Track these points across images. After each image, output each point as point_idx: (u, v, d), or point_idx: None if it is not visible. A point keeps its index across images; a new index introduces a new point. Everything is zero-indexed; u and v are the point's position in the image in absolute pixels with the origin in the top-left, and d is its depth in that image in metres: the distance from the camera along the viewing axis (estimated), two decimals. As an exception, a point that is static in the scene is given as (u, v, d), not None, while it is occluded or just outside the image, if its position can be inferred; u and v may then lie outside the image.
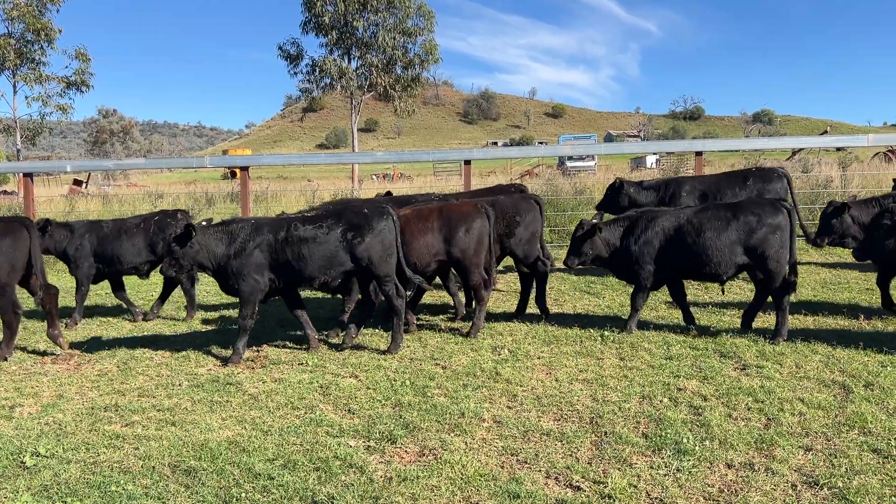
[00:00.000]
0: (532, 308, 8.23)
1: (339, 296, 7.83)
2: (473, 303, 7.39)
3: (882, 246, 6.53)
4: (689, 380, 5.41)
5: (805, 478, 3.80)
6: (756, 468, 3.92)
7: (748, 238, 6.40)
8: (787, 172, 9.63)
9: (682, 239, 6.57)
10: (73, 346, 7.23)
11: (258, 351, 6.75)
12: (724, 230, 6.43)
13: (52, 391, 5.75)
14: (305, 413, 5.01)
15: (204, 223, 6.50)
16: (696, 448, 4.15)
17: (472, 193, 9.70)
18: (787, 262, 6.48)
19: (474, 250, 6.91)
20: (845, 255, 10.71)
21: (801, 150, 28.12)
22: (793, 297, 8.15)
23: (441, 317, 8.04)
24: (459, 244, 6.86)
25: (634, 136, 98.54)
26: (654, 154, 46.48)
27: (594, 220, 7.03)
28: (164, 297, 8.65)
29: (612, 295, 8.81)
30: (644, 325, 6.99)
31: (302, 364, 6.23)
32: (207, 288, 9.92)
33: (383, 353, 6.47)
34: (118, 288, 8.68)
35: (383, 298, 6.65)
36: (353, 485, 3.86)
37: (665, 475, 3.87)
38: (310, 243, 6.29)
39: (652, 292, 7.91)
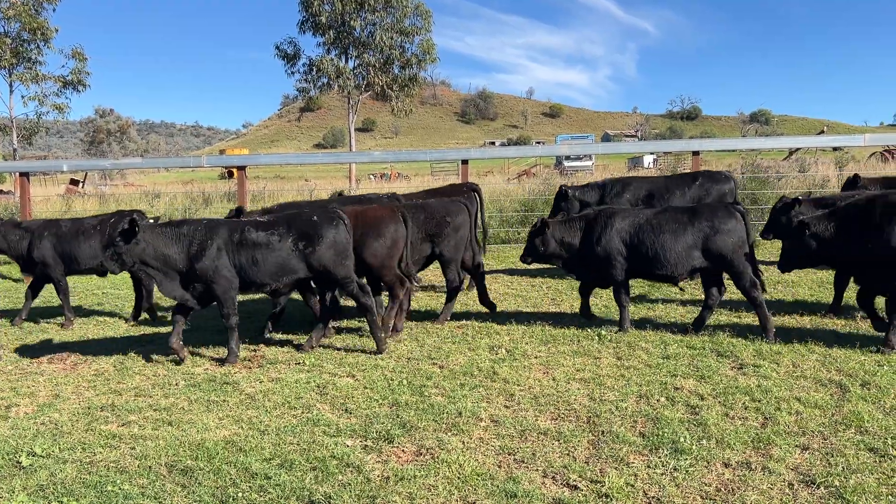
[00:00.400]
0: (530, 307, 8.24)
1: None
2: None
3: (803, 247, 6.26)
4: (686, 379, 5.41)
5: (802, 477, 3.80)
6: (753, 467, 3.92)
7: (706, 240, 6.48)
8: (733, 175, 9.96)
9: (640, 238, 6.65)
10: (69, 345, 7.22)
11: (255, 350, 6.74)
12: (682, 231, 6.53)
13: (48, 391, 5.74)
14: (302, 412, 5.00)
15: (151, 221, 6.43)
16: (693, 447, 4.15)
17: (427, 193, 9.68)
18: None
19: (387, 254, 6.88)
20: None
21: (797, 149, 28.20)
22: (790, 297, 8.21)
23: (431, 318, 8.03)
24: (370, 248, 6.83)
25: (632, 136, 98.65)
26: (652, 154, 46.49)
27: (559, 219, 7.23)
28: (139, 298, 8.55)
29: (609, 294, 8.80)
30: (641, 325, 7.00)
31: (299, 364, 6.22)
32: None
33: (378, 353, 6.47)
34: (39, 288, 8.62)
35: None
36: (350, 484, 3.86)
37: (662, 474, 3.87)
38: (262, 249, 6.23)
39: (652, 291, 7.93)
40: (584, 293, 7.36)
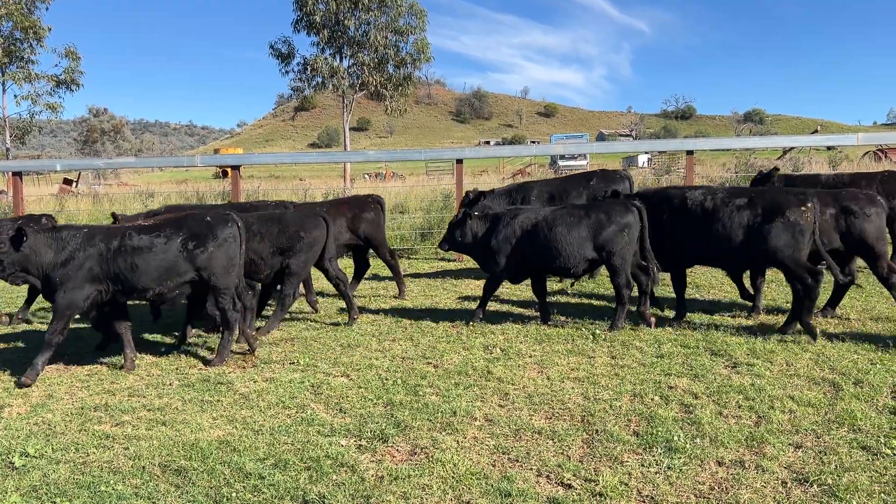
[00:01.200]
0: (525, 307, 8.25)
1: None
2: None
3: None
4: (679, 378, 5.42)
5: (795, 475, 3.81)
6: (746, 465, 3.93)
7: (597, 235, 6.84)
8: (629, 175, 10.31)
9: (537, 235, 7.02)
10: (62, 345, 7.18)
11: (249, 349, 6.72)
12: (576, 227, 6.88)
13: (41, 391, 5.71)
14: (297, 412, 4.99)
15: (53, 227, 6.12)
16: (687, 446, 4.16)
17: (330, 203, 9.46)
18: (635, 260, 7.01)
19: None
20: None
21: (791, 148, 28.25)
22: (784, 297, 8.23)
23: (431, 318, 8.03)
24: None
25: (626, 136, 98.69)
26: (646, 153, 46.58)
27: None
28: (29, 302, 8.45)
29: (604, 293, 8.82)
30: (636, 324, 7.01)
31: (293, 363, 6.21)
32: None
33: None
34: None
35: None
36: (344, 484, 3.85)
37: (656, 473, 3.88)
38: (145, 253, 5.91)
39: (656, 291, 7.95)
40: (540, 293, 7.46)
